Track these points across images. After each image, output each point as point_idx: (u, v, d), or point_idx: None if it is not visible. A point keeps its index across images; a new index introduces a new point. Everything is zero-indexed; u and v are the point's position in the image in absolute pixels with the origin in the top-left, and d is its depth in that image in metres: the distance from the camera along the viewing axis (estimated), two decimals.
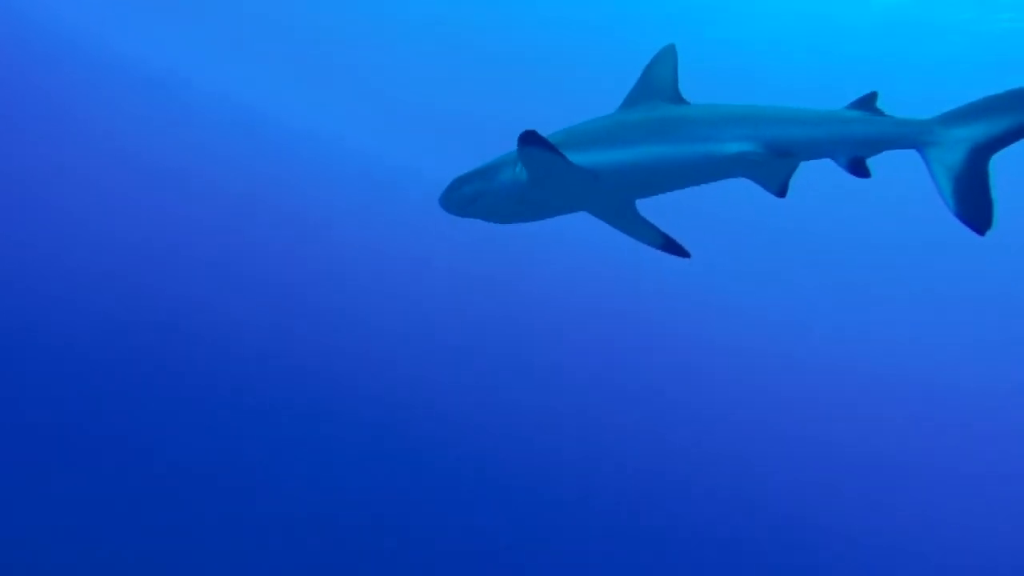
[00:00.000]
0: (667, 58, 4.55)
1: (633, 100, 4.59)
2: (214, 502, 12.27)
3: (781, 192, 4.13)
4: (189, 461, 13.27)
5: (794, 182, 4.14)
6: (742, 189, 4.53)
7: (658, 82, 4.51)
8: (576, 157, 4.21)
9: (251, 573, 10.99)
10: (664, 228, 4.60)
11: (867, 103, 3.94)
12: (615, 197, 4.43)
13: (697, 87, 4.77)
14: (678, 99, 4.46)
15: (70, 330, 16.48)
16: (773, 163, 3.97)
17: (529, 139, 3.91)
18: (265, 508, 12.46)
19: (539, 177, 4.24)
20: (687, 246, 4.62)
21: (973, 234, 3.53)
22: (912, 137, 3.77)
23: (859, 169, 3.88)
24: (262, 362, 17.38)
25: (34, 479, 11.71)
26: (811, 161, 4.05)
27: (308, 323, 19.83)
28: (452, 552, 12.69)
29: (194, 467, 13.12)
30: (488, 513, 13.98)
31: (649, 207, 4.63)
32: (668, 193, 4.46)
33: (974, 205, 3.55)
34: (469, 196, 4.63)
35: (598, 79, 18.14)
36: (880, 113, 3.91)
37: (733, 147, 3.98)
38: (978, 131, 3.62)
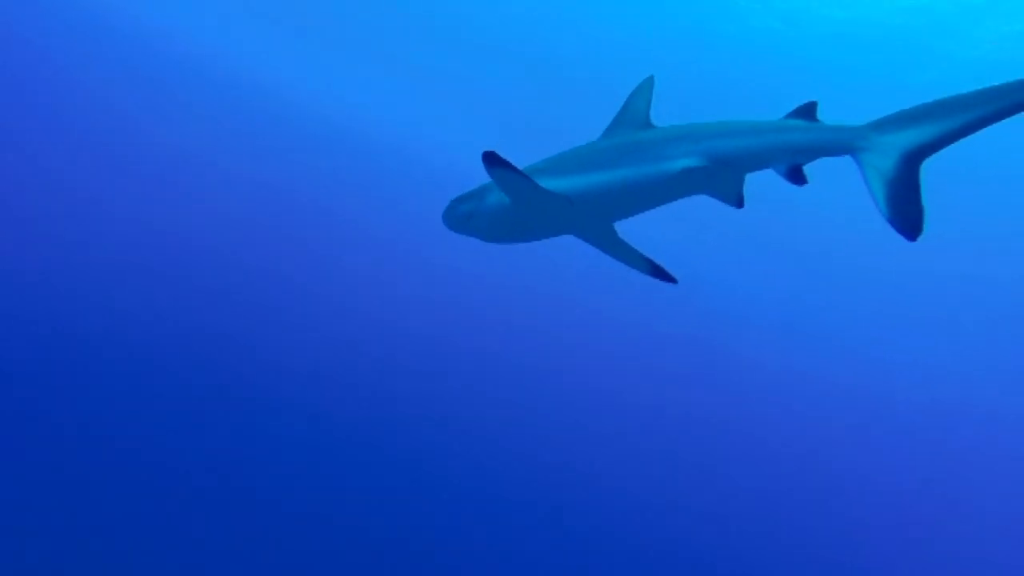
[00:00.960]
0: (645, 88, 4.78)
1: (611, 127, 4.82)
2: (217, 502, 12.32)
3: (739, 203, 4.21)
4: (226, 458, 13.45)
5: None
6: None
7: (634, 110, 4.73)
8: (551, 183, 4.48)
9: (251, 573, 11.05)
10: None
11: (806, 112, 4.04)
12: (592, 220, 4.60)
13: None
14: (647, 125, 4.65)
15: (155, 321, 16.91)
16: (720, 175, 4.10)
17: (491, 160, 4.09)
18: (266, 508, 12.53)
19: (518, 200, 4.45)
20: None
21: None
22: (846, 143, 3.85)
23: (796, 176, 3.99)
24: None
25: (35, 479, 11.76)
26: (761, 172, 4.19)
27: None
28: (452, 552, 12.77)
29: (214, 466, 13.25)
30: (486, 512, 14.07)
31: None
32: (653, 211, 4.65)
33: (905, 210, 3.61)
34: (464, 215, 4.84)
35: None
36: (816, 121, 4.01)
37: (680, 163, 4.15)
38: (909, 137, 3.70)
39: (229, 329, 18.74)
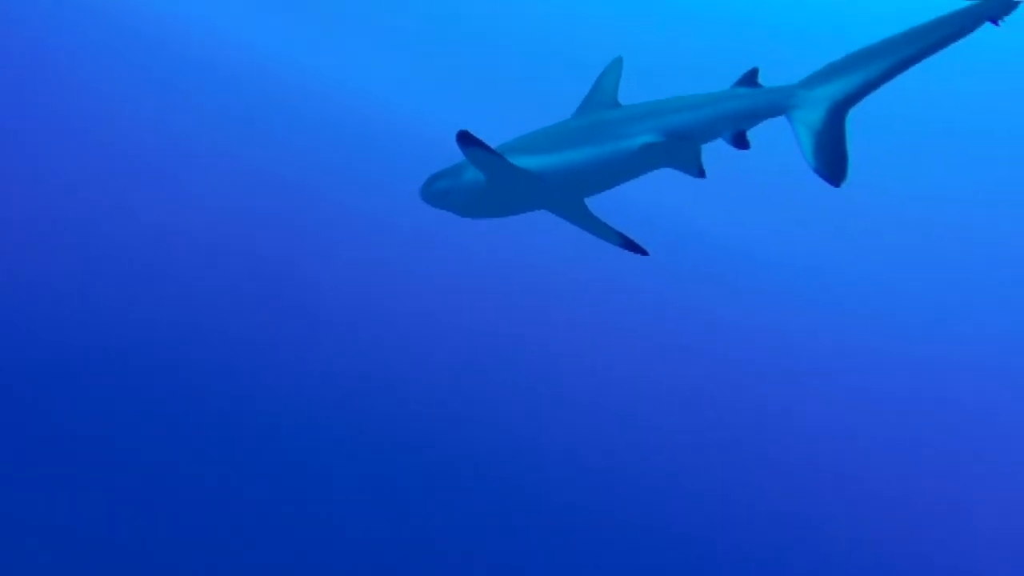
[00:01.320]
0: (613, 69, 5.07)
1: (581, 107, 5.12)
2: (220, 503, 12.39)
3: (699, 173, 4.44)
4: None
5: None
6: None
7: (603, 90, 5.03)
8: (523, 160, 4.75)
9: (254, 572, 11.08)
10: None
11: (748, 79, 4.32)
12: (563, 196, 4.89)
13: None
14: (615, 104, 4.93)
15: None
16: (678, 149, 4.36)
17: (465, 139, 4.41)
18: (268, 508, 12.60)
19: (492, 178, 4.75)
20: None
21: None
22: (779, 103, 4.12)
23: (740, 142, 4.24)
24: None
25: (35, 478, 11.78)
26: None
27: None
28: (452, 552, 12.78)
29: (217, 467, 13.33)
30: (484, 510, 14.05)
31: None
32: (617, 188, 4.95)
33: (831, 159, 3.85)
34: (441, 192, 5.15)
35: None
36: (757, 86, 4.27)
37: (640, 140, 4.42)
38: (835, 89, 3.95)
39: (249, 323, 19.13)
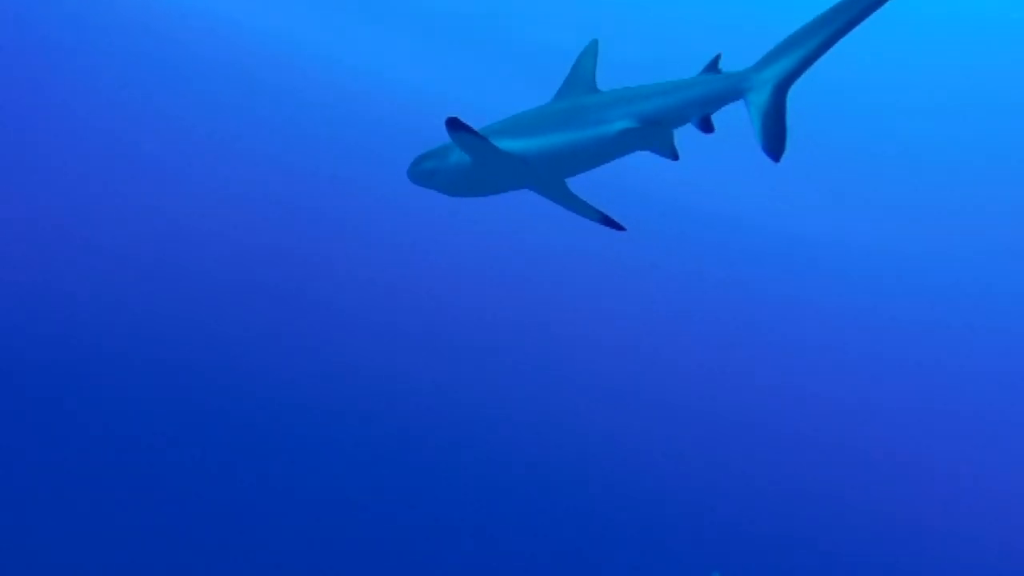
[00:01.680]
0: (590, 52, 5.34)
1: (561, 90, 5.40)
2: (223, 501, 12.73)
3: (673, 156, 4.76)
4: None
5: None
6: None
7: (581, 74, 5.30)
8: (508, 143, 5.07)
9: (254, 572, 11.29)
10: None
11: (712, 65, 4.63)
12: (546, 177, 5.19)
13: None
14: (593, 88, 5.22)
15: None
16: (652, 133, 4.68)
17: (454, 125, 4.75)
18: (270, 507, 12.94)
19: (478, 160, 5.05)
20: None
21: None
22: (736, 87, 4.42)
23: (705, 125, 4.56)
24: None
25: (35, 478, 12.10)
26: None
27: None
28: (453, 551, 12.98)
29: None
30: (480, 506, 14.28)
31: None
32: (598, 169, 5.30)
33: (774, 136, 4.16)
34: (427, 172, 5.44)
35: None
36: (719, 72, 4.58)
37: (617, 126, 4.73)
38: (778, 69, 4.26)
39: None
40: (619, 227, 5.34)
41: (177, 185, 23.66)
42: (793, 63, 4.21)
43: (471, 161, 5.11)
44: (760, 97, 4.28)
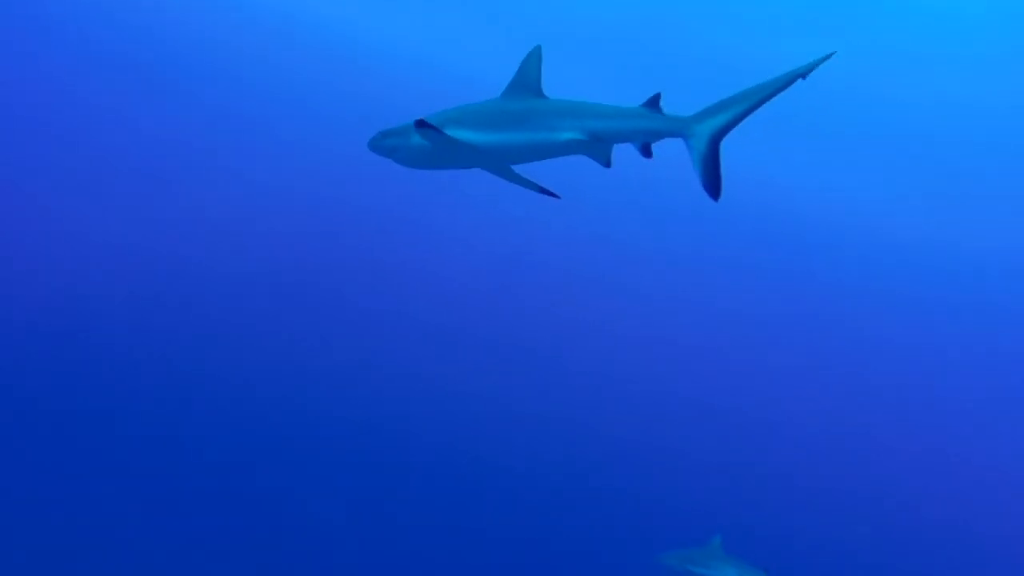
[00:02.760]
0: (534, 57, 5.98)
1: (510, 88, 6.06)
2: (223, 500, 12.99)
3: (607, 164, 5.65)
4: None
5: None
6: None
7: (527, 76, 5.96)
8: (461, 133, 5.70)
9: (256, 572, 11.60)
10: None
11: (653, 102, 5.44)
12: (497, 165, 5.95)
13: None
14: (539, 92, 5.93)
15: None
16: (594, 146, 5.51)
17: (422, 125, 5.38)
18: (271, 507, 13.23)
19: (438, 146, 5.70)
20: None
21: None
22: (676, 130, 5.31)
23: (646, 151, 5.53)
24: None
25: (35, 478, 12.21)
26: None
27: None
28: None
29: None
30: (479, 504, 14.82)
31: None
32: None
33: (710, 178, 5.12)
34: (389, 147, 6.02)
35: None
36: (660, 111, 5.44)
37: (566, 135, 5.50)
38: (712, 124, 5.18)
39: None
40: (554, 195, 6.06)
41: (177, 186, 23.77)
42: (726, 120, 5.16)
43: (431, 146, 5.78)
44: (699, 144, 5.19)
